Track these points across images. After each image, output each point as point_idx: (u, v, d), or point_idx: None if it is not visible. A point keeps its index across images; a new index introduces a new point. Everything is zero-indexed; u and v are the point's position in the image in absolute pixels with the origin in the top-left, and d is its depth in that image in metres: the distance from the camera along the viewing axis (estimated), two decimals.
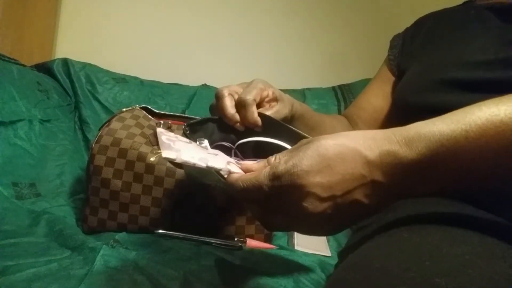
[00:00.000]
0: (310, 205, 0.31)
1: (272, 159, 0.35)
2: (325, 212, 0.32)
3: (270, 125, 0.48)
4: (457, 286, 0.23)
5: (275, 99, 0.53)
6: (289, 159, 0.33)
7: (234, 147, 0.50)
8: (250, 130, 0.49)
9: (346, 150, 0.32)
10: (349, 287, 0.27)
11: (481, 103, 0.31)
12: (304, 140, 0.35)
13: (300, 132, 0.44)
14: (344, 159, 0.31)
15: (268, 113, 0.50)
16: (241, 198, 0.36)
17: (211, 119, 0.52)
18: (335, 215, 0.32)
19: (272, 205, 0.34)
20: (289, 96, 0.55)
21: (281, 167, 0.32)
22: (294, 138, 0.39)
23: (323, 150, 0.32)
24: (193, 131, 0.50)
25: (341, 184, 0.31)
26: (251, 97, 0.48)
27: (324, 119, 0.64)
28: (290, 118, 0.55)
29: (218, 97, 0.49)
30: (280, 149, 0.41)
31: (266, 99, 0.52)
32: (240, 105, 0.48)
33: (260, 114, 0.49)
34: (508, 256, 0.27)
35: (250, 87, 0.49)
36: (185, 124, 0.50)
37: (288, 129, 0.46)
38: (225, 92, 0.49)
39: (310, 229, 0.35)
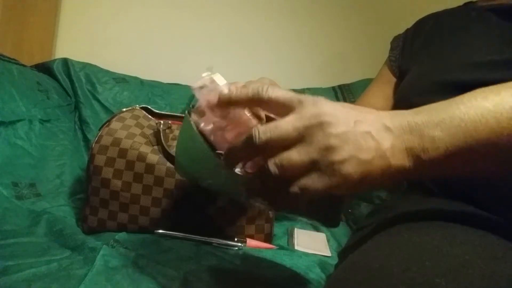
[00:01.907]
0: (333, 130, 0.30)
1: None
2: (342, 147, 0.30)
3: None
4: (457, 286, 0.23)
5: None
6: (311, 106, 0.32)
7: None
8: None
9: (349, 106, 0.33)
10: (349, 287, 0.27)
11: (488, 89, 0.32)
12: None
13: None
14: (362, 109, 0.33)
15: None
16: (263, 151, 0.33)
17: None
18: (351, 154, 0.30)
19: (296, 152, 0.31)
20: None
21: (304, 108, 0.32)
22: None
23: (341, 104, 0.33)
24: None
25: (356, 122, 0.31)
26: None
27: None
28: None
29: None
30: None
31: None
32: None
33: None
34: (508, 256, 0.27)
35: (254, 83, 0.49)
36: (192, 105, 0.48)
37: None
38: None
39: (328, 179, 0.30)
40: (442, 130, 0.30)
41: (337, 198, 0.41)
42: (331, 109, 0.31)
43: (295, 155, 0.31)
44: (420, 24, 0.68)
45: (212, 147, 0.40)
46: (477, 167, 0.31)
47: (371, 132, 0.31)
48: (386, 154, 0.30)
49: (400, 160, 0.30)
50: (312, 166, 0.30)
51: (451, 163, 0.30)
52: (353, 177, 0.30)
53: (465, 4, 0.64)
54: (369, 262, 0.28)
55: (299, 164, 0.30)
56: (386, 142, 0.31)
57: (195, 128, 0.40)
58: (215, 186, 0.46)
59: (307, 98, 0.33)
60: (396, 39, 0.73)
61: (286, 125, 0.31)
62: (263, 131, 0.32)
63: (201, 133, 0.40)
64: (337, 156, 0.29)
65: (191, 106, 0.45)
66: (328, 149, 0.30)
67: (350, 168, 0.29)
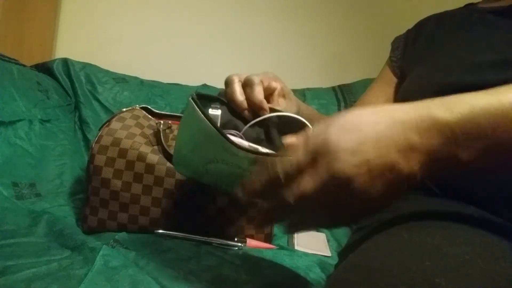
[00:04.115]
0: (342, 169, 0.29)
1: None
2: (358, 179, 0.29)
3: (279, 119, 0.48)
4: (457, 286, 0.23)
5: (282, 95, 0.52)
6: (319, 128, 0.31)
7: (240, 134, 0.49)
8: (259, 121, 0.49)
9: (378, 114, 0.31)
10: (349, 287, 0.27)
11: None
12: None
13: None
14: (376, 122, 0.30)
15: (276, 108, 0.49)
16: (270, 179, 0.33)
17: (220, 100, 0.50)
18: (370, 184, 0.29)
19: (305, 181, 0.31)
20: (297, 98, 0.55)
21: (312, 136, 0.31)
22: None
23: (354, 116, 0.31)
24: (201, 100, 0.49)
25: (373, 145, 0.29)
26: (258, 77, 0.47)
27: None
28: None
29: (227, 83, 0.49)
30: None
31: (276, 93, 0.52)
32: (246, 85, 0.47)
33: (270, 109, 0.48)
34: (508, 256, 0.27)
35: (257, 73, 0.49)
36: (195, 92, 0.48)
37: (300, 123, 0.45)
38: (235, 78, 0.48)
39: (342, 204, 0.31)
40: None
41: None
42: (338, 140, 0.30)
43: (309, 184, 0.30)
44: (422, 25, 0.68)
45: (218, 128, 0.39)
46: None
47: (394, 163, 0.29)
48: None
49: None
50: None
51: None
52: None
53: (466, 5, 0.64)
54: (369, 262, 0.28)
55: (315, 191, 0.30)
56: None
57: (199, 111, 0.40)
58: (216, 174, 0.44)
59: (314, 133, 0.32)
60: (397, 39, 0.73)
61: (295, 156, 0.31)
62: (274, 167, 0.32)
63: (207, 116, 0.40)
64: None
65: (195, 92, 0.44)
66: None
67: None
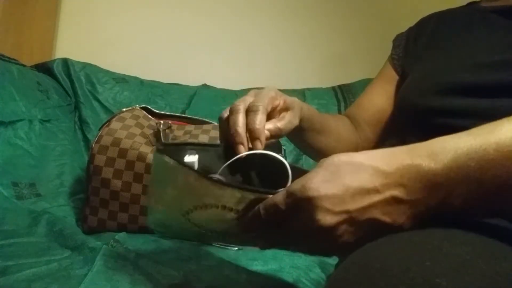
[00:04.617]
0: (322, 218, 0.30)
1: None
2: (339, 227, 0.30)
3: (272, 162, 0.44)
4: (457, 286, 0.23)
5: (286, 109, 0.51)
6: (303, 178, 0.32)
7: (218, 176, 0.44)
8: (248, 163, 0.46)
9: (359, 164, 0.31)
10: (349, 287, 0.27)
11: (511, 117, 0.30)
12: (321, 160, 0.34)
13: (306, 169, 0.40)
14: (356, 172, 0.30)
15: (279, 124, 0.47)
16: (257, 223, 0.35)
17: (190, 143, 0.48)
18: (352, 232, 0.31)
19: (288, 224, 0.33)
20: (298, 100, 0.53)
21: (295, 185, 0.32)
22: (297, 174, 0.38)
23: (336, 165, 0.32)
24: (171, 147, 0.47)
25: (354, 198, 0.30)
26: (263, 103, 0.45)
27: (329, 121, 0.63)
28: (299, 123, 0.53)
29: (232, 111, 0.45)
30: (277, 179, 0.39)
31: (278, 109, 0.50)
32: (251, 110, 0.45)
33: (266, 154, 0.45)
34: (509, 256, 0.27)
35: (262, 94, 0.47)
36: (161, 144, 0.46)
37: (296, 169, 0.42)
38: (241, 107, 0.45)
39: (324, 246, 0.33)
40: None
41: None
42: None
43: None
44: (423, 23, 0.68)
45: (199, 172, 0.38)
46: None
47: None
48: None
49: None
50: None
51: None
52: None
53: (468, 4, 0.63)
54: (369, 262, 0.28)
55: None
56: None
57: (171, 161, 0.39)
58: (200, 222, 0.42)
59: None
60: (398, 37, 0.72)
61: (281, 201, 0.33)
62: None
63: (183, 163, 0.39)
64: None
65: (159, 144, 0.43)
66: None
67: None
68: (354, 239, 0.31)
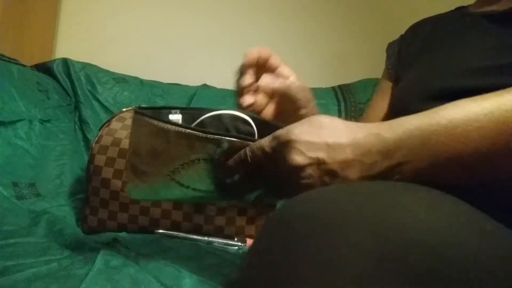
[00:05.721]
0: (295, 157, 0.34)
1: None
2: (306, 169, 0.34)
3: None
4: (435, 217, 0.23)
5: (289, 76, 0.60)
6: (289, 126, 0.36)
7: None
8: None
9: (340, 124, 0.36)
10: (287, 226, 0.26)
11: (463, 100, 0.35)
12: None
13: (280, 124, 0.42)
14: (334, 131, 0.35)
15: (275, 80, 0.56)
16: (243, 166, 0.38)
17: (165, 108, 0.48)
18: (316, 177, 0.34)
19: (270, 165, 0.37)
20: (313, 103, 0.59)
21: (281, 130, 0.36)
22: None
23: (319, 121, 0.36)
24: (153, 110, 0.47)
25: (327, 150, 0.34)
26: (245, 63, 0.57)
27: None
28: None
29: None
30: None
31: (272, 62, 0.58)
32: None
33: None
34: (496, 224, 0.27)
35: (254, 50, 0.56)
36: (137, 106, 0.45)
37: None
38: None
39: (291, 186, 0.36)
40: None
41: None
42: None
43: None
44: (416, 29, 0.68)
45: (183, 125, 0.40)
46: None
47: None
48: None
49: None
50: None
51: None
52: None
53: (457, 9, 0.63)
54: (321, 206, 0.26)
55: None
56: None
57: (155, 121, 0.40)
58: (187, 178, 0.42)
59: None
60: (391, 46, 0.72)
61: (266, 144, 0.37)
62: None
63: (168, 121, 0.40)
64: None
65: (137, 106, 0.44)
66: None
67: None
68: (315, 185, 0.34)
